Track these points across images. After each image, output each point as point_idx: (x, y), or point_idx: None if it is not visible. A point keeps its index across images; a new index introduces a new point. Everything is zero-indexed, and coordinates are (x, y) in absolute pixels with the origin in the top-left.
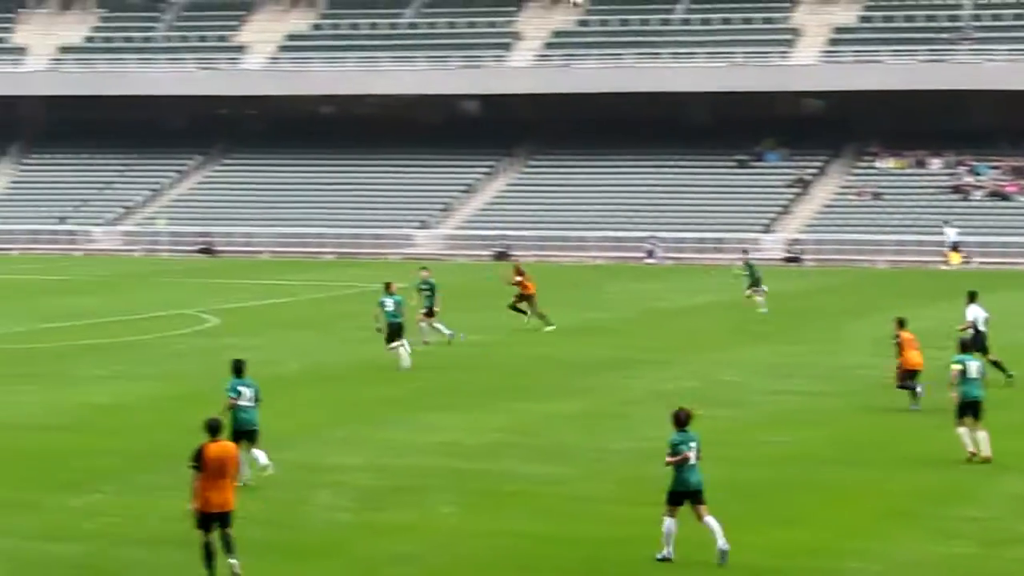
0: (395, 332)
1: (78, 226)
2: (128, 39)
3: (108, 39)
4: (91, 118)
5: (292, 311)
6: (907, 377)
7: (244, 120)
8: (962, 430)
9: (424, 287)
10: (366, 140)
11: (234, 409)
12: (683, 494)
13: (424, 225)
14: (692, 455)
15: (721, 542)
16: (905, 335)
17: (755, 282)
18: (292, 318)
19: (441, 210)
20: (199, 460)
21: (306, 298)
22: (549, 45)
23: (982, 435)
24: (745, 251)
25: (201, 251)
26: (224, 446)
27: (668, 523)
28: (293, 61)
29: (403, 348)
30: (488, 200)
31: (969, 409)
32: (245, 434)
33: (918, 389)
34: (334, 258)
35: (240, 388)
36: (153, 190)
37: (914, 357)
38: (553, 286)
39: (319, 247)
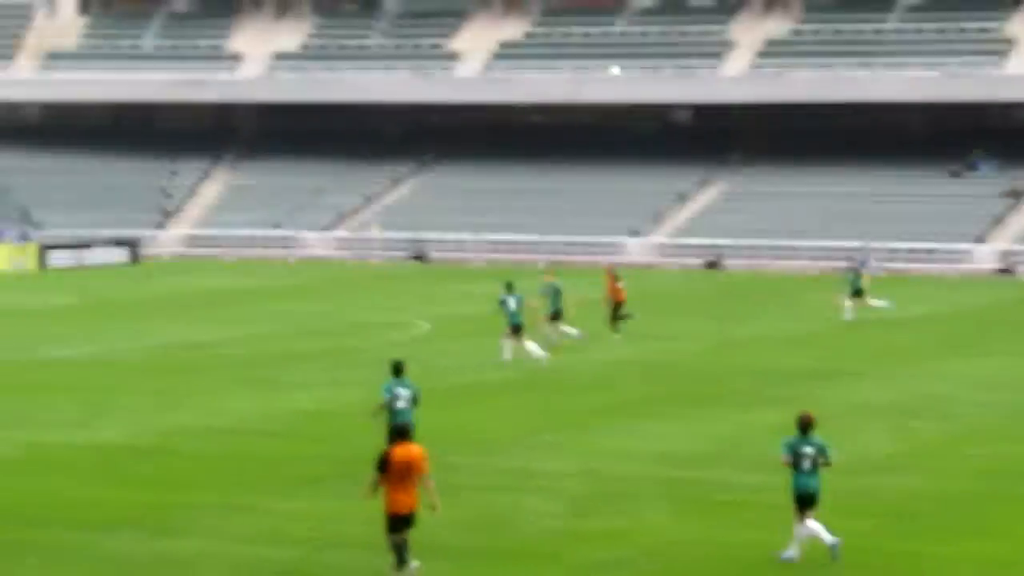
0: (516, 330)
1: (292, 232)
2: (342, 47)
3: (323, 47)
4: (305, 125)
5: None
6: None
7: (457, 128)
8: None
9: (548, 291)
10: (578, 148)
11: (390, 410)
12: (799, 498)
13: (635, 233)
14: (807, 462)
15: (827, 539)
16: None
17: (857, 292)
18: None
19: (653, 218)
20: (384, 464)
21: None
22: (762, 54)
23: None
24: (855, 259)
25: (413, 257)
26: (408, 449)
27: (798, 527)
28: (506, 69)
29: (529, 344)
30: (700, 209)
31: None
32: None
33: None
34: (545, 265)
35: (397, 389)
36: (366, 197)
37: None
38: (762, 294)
39: (530, 254)
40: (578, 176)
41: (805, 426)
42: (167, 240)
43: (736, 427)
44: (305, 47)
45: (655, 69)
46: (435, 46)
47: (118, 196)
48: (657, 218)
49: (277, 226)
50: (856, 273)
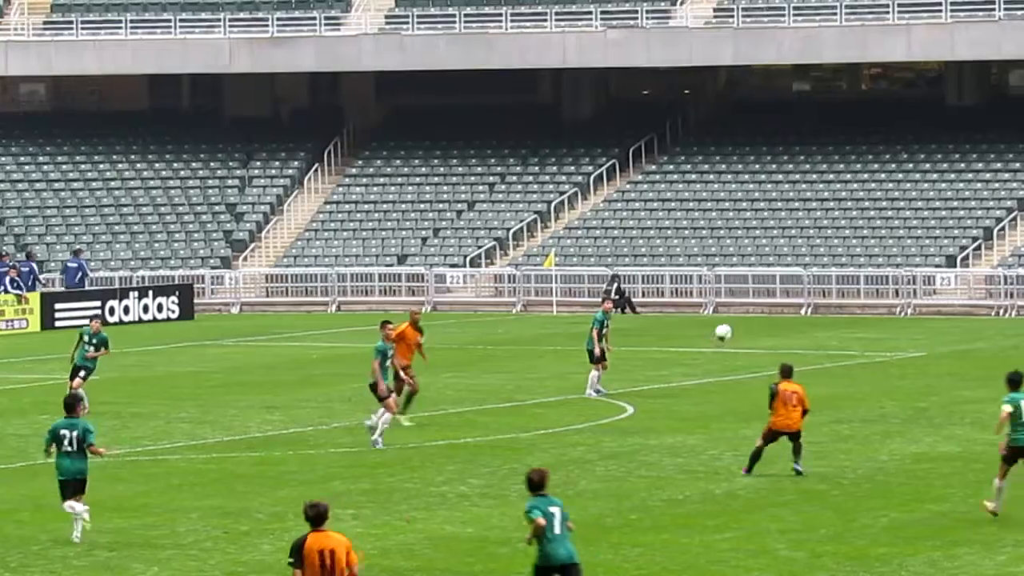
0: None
1: (425, 268)
2: None
3: None
4: (444, 106)
5: None
6: None
7: (682, 101)
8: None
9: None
10: (862, 131)
11: None
12: (547, 569)
13: (950, 262)
14: (556, 524)
15: None
16: None
17: None
18: None
19: (980, 237)
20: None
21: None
22: None
23: None
24: None
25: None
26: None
27: None
28: (748, 15)
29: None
30: None
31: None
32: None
33: None
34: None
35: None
36: (537, 212)
37: None
38: None
39: (781, 296)
40: (871, 173)
41: (540, 483)
42: (235, 283)
43: None
44: None
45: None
46: None
47: (160, 218)
48: (1001, 230)
49: (403, 260)
50: None
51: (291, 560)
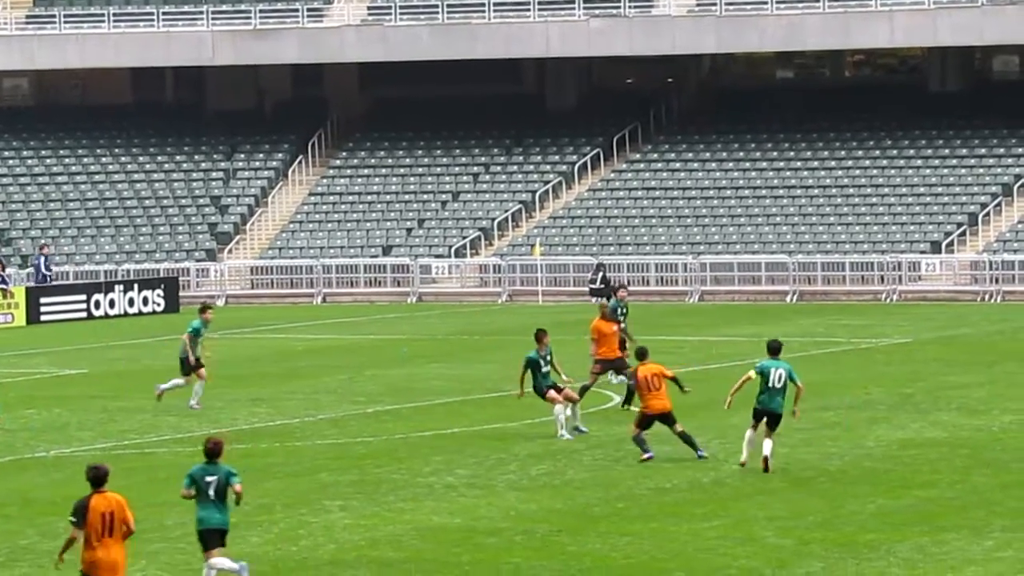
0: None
1: (410, 259)
2: None
3: None
4: (429, 97)
5: None
6: None
7: (666, 90)
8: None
9: None
10: (846, 117)
11: None
12: (201, 532)
13: (935, 247)
14: (211, 491)
15: None
16: None
17: None
18: None
19: (965, 223)
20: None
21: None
22: None
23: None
24: None
25: (596, 293)
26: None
27: None
28: (731, 3)
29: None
30: None
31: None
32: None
33: None
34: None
35: None
36: (522, 201)
37: None
38: None
39: (767, 284)
40: (840, 163)
41: (213, 452)
42: (220, 276)
43: None
44: None
45: None
46: None
47: (145, 211)
48: (974, 222)
49: (388, 251)
50: None
51: (73, 519)
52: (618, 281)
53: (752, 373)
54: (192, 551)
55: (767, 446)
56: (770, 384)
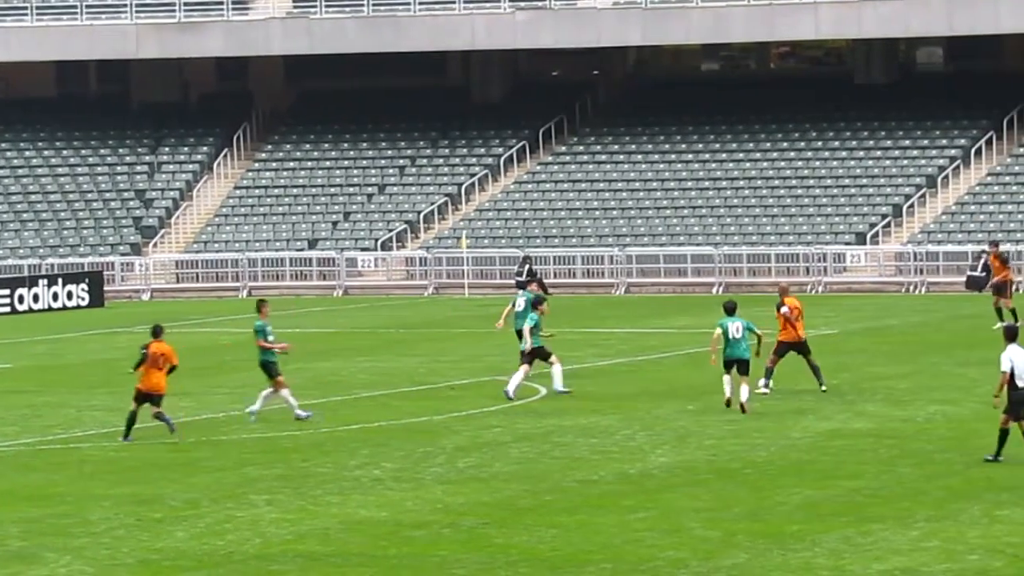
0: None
1: (336, 252)
2: None
3: None
4: (354, 89)
5: None
6: None
7: (590, 82)
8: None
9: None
10: (771, 109)
11: None
12: None
13: (860, 239)
14: None
15: None
16: None
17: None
18: None
19: (890, 214)
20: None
21: None
22: None
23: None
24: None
25: (523, 285)
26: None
27: None
28: None
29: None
30: (973, 189)
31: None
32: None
33: None
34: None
35: None
36: (448, 194)
37: None
38: None
39: (693, 276)
40: (781, 154)
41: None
42: (145, 270)
43: None
44: None
45: None
46: None
47: (69, 205)
48: (898, 214)
49: (314, 244)
50: None
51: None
52: (538, 276)
53: (717, 331)
54: (116, 546)
55: (743, 392)
56: (730, 336)
